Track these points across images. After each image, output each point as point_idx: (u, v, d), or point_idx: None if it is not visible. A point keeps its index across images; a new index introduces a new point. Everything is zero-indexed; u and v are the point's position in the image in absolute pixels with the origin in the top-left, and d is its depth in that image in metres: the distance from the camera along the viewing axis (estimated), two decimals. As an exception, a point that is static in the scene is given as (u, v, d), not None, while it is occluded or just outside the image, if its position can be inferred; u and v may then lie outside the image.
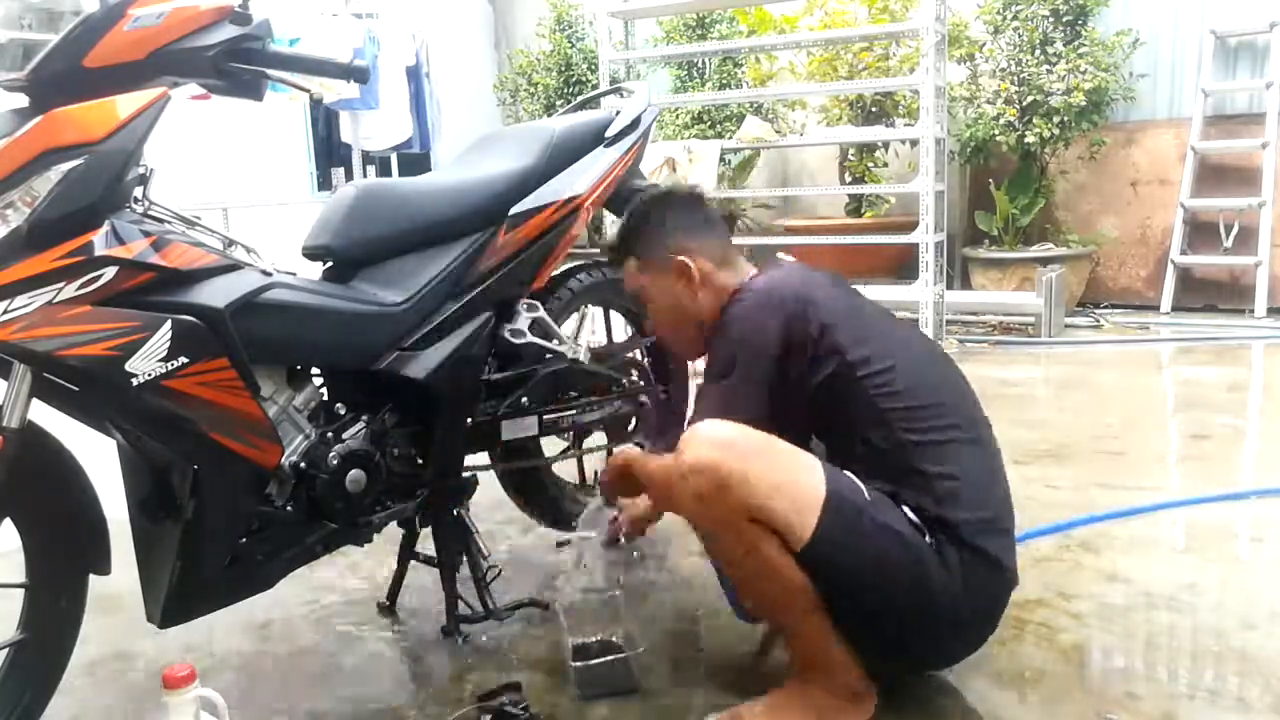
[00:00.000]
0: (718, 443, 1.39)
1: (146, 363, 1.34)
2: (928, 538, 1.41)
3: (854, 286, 1.68)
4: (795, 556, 1.38)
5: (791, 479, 1.39)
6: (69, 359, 1.28)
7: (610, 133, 2.09)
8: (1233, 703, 1.57)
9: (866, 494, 1.42)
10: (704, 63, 6.46)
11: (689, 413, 1.60)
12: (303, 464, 1.59)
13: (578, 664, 1.67)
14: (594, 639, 1.75)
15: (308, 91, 1.67)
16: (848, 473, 1.44)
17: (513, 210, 1.87)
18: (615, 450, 1.81)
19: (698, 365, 1.73)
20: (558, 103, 6.83)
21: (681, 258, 1.61)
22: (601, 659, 1.67)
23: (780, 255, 1.76)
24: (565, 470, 2.35)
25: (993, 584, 1.48)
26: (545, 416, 2.01)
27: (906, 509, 1.43)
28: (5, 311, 1.25)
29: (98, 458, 1.56)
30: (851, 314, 1.54)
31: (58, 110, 1.30)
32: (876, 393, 1.46)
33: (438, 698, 1.68)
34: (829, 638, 1.45)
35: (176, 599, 1.50)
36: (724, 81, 6.39)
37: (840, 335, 1.48)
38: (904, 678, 1.62)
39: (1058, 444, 3.04)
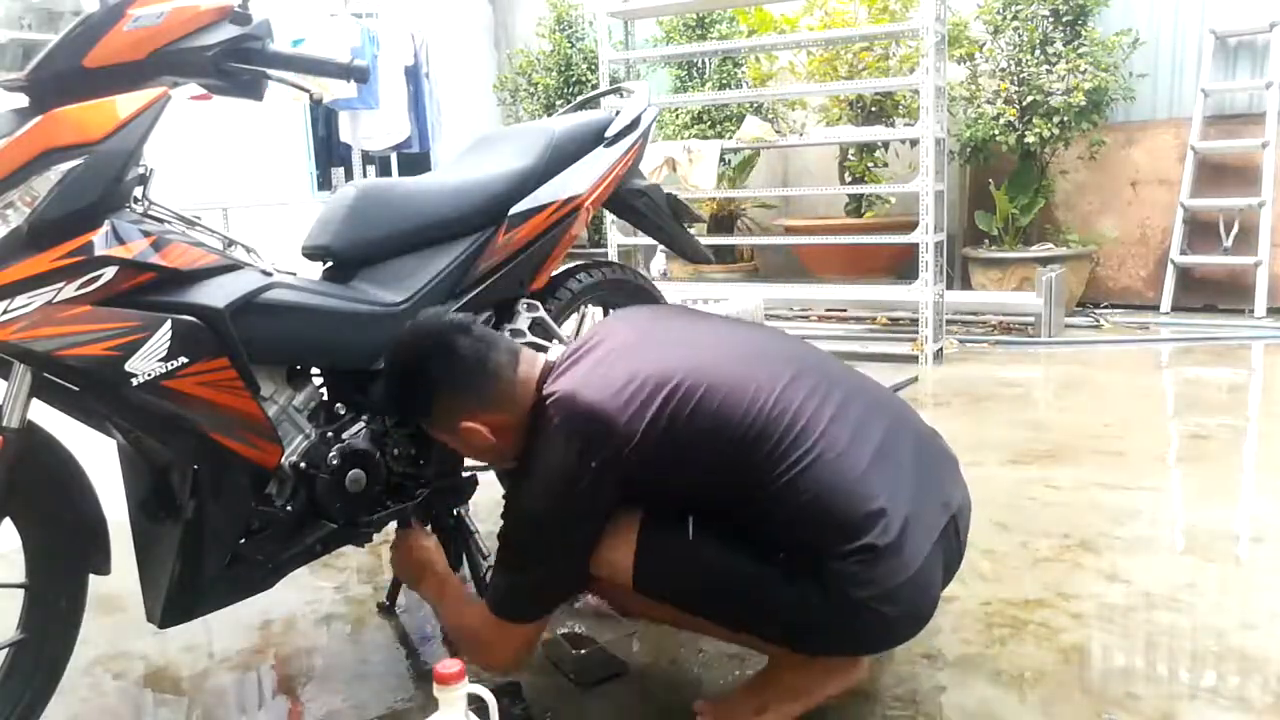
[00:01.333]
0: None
1: (146, 363, 1.34)
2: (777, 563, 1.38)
3: (664, 305, 1.63)
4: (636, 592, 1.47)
5: (604, 546, 1.44)
6: (69, 359, 1.28)
7: (610, 133, 2.09)
8: (1233, 703, 1.57)
9: (691, 533, 1.42)
10: (704, 63, 6.47)
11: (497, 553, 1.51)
12: (303, 464, 1.59)
13: (575, 652, 1.76)
14: (581, 629, 1.82)
15: (308, 91, 1.67)
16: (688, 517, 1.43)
17: (512, 210, 1.87)
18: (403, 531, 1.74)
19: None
20: (558, 103, 6.83)
21: (466, 424, 1.47)
22: (593, 648, 1.77)
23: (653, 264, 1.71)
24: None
25: (869, 570, 1.34)
26: (545, 416, 2.01)
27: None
28: (5, 311, 1.25)
29: (98, 458, 1.56)
30: (631, 377, 1.39)
31: (58, 110, 1.30)
32: (681, 429, 1.36)
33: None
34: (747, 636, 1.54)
35: (176, 599, 1.50)
36: (724, 81, 6.39)
37: (629, 422, 1.35)
38: (903, 678, 1.62)
39: (1057, 444, 3.04)
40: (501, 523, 1.47)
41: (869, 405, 1.48)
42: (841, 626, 1.38)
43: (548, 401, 1.42)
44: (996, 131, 5.23)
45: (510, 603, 1.47)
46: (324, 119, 6.39)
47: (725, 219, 6.46)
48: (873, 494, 1.36)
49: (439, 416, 1.51)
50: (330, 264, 1.74)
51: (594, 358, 1.47)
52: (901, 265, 5.55)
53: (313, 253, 1.74)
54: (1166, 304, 5.38)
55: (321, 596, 2.13)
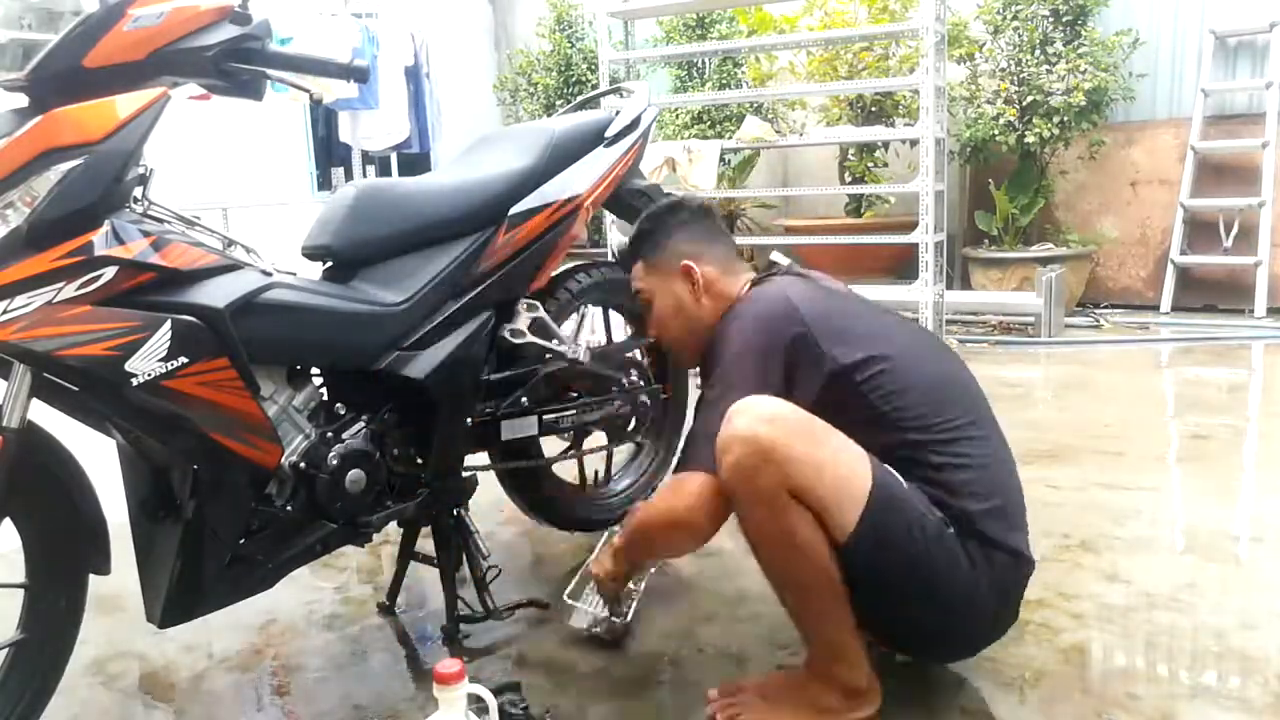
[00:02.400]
0: (764, 416, 1.38)
1: (146, 363, 1.34)
2: (950, 530, 1.42)
3: (849, 288, 1.71)
4: (834, 547, 1.39)
5: (836, 463, 1.39)
6: (69, 359, 1.28)
7: (610, 133, 2.09)
8: (1233, 703, 1.57)
9: (906, 487, 1.43)
10: (704, 63, 6.46)
11: (689, 423, 1.59)
12: (303, 464, 1.59)
13: (569, 601, 1.88)
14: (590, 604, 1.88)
15: (308, 92, 1.67)
16: (887, 466, 1.44)
17: (512, 210, 1.87)
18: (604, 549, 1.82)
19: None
20: (558, 103, 6.83)
21: (687, 262, 1.68)
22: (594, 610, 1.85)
23: (775, 256, 1.79)
24: (565, 470, 2.35)
25: (1013, 572, 1.50)
26: (545, 416, 2.01)
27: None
28: (5, 311, 1.25)
29: (98, 458, 1.56)
30: (844, 317, 1.56)
31: (58, 110, 1.30)
32: (875, 394, 1.47)
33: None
34: (849, 630, 1.46)
35: (176, 599, 1.50)
36: (724, 81, 6.39)
37: (832, 340, 1.49)
38: (903, 677, 1.63)
39: (1057, 444, 3.04)
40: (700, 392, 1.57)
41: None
42: (981, 616, 1.50)
43: (747, 292, 1.64)
44: (996, 131, 5.23)
45: (704, 444, 1.45)
46: (324, 119, 6.39)
47: (725, 219, 6.46)
48: (1015, 501, 1.54)
49: (674, 247, 1.69)
50: (330, 264, 1.74)
51: (827, 289, 1.66)
52: (901, 265, 5.55)
53: (313, 253, 1.74)
54: (1166, 304, 5.38)
55: (321, 596, 2.13)
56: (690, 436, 1.54)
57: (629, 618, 1.85)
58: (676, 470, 1.54)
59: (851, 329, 1.53)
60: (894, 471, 1.44)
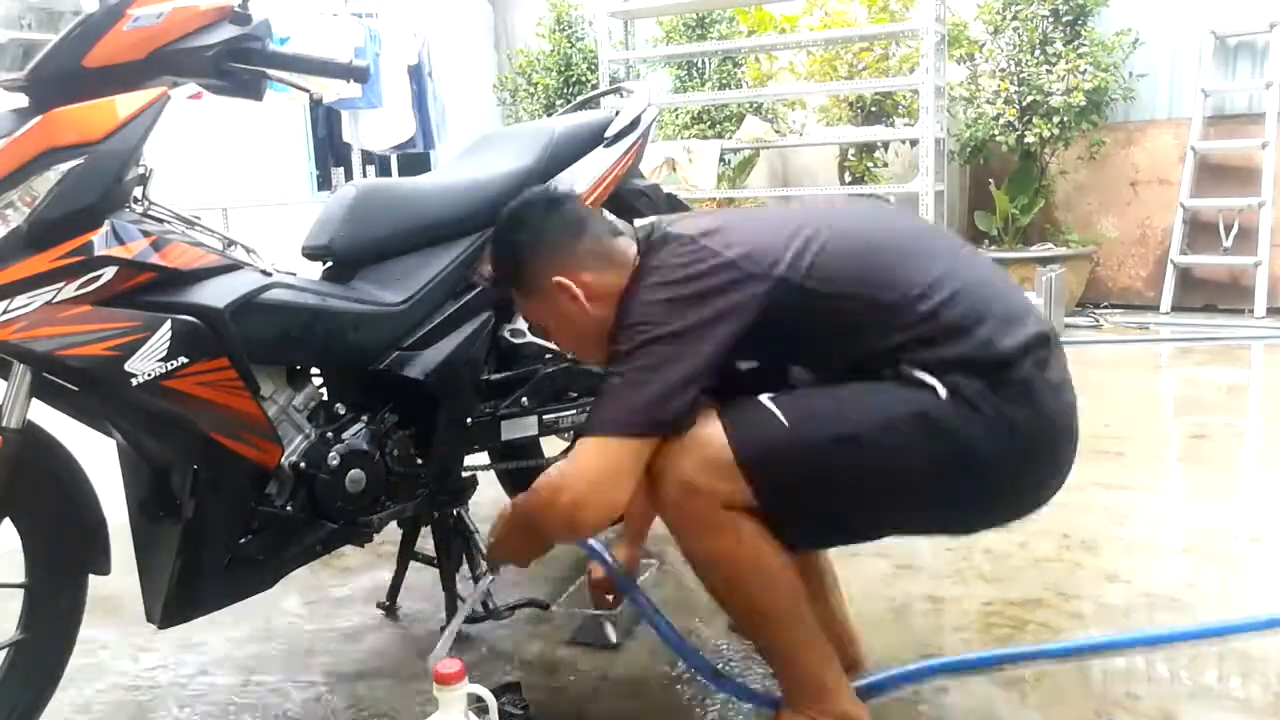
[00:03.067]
0: (684, 451, 1.29)
1: (146, 363, 1.34)
2: (941, 390, 1.26)
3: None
4: (740, 468, 1.28)
5: (692, 440, 1.29)
6: (69, 359, 1.28)
7: (610, 133, 2.09)
8: (1233, 703, 1.57)
9: (782, 411, 1.30)
10: (704, 63, 6.46)
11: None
12: (303, 464, 1.59)
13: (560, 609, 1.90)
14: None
15: (308, 91, 1.67)
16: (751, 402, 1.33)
17: (512, 210, 1.87)
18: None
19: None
20: (558, 103, 6.82)
21: (557, 278, 1.43)
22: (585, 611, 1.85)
23: (640, 222, 1.54)
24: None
25: (1038, 402, 1.29)
26: (545, 416, 2.01)
27: (915, 371, 1.28)
28: (5, 311, 1.25)
29: (98, 458, 1.56)
30: (761, 221, 1.43)
31: (58, 110, 1.30)
32: (823, 286, 1.32)
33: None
34: (820, 658, 1.38)
35: (176, 599, 1.49)
36: (724, 81, 6.39)
37: (752, 255, 1.33)
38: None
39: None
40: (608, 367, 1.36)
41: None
42: (1008, 467, 1.30)
43: (669, 232, 1.40)
44: (996, 131, 5.23)
45: (615, 412, 1.30)
46: (324, 119, 6.39)
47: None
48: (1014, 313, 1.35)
49: (530, 278, 1.46)
50: (330, 264, 1.74)
51: (717, 218, 1.45)
52: (901, 265, 5.55)
53: (313, 253, 1.74)
54: (1166, 304, 5.38)
55: (321, 596, 2.13)
56: (614, 398, 1.32)
57: (615, 625, 1.84)
58: (599, 428, 1.32)
59: (780, 226, 1.38)
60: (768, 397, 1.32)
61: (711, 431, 1.30)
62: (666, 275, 1.35)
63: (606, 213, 1.56)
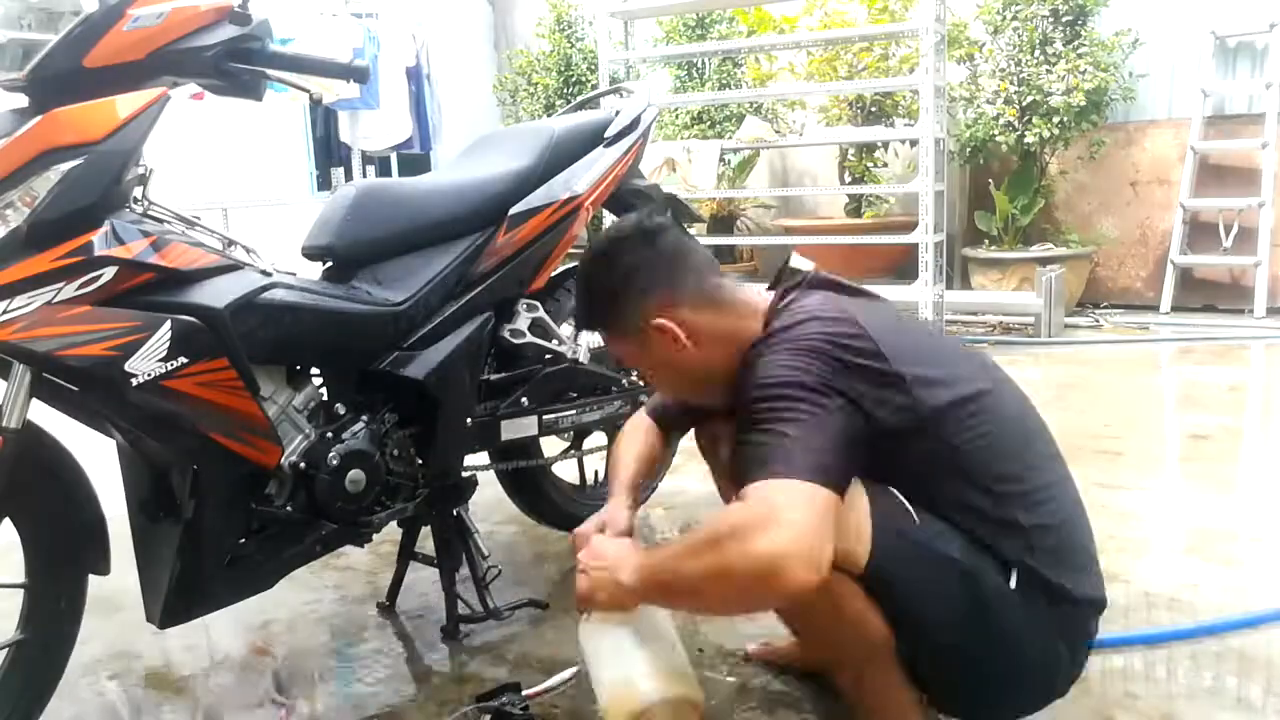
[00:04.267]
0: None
1: (146, 363, 1.34)
2: (1012, 581, 1.22)
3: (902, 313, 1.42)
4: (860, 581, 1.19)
5: (844, 511, 1.15)
6: (69, 359, 1.28)
7: (610, 133, 2.09)
8: (1233, 703, 1.57)
9: (915, 515, 1.22)
10: (704, 63, 6.46)
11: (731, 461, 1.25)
12: (302, 464, 1.59)
13: None
14: None
15: (307, 92, 1.67)
16: (892, 490, 1.24)
17: (512, 210, 1.87)
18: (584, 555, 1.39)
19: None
20: (558, 103, 6.82)
21: (657, 321, 1.30)
22: None
23: (795, 262, 1.50)
24: (565, 470, 2.35)
25: (1083, 620, 1.31)
26: (545, 416, 2.01)
27: (991, 554, 1.23)
28: (5, 311, 1.25)
29: (98, 458, 1.56)
30: (917, 344, 1.29)
31: (58, 110, 1.30)
32: (957, 435, 1.22)
33: (438, 698, 1.68)
34: (902, 696, 1.30)
35: (176, 599, 1.50)
36: (724, 81, 6.39)
37: (914, 373, 1.20)
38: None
39: (1057, 444, 3.03)
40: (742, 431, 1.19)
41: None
42: (1045, 669, 1.29)
43: (808, 299, 1.28)
44: (996, 131, 5.23)
45: (769, 448, 1.11)
46: (324, 119, 6.39)
47: (725, 219, 6.46)
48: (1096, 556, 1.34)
49: (631, 310, 1.31)
50: (330, 264, 1.74)
51: (884, 309, 1.35)
52: (901, 265, 5.55)
53: (313, 253, 1.74)
54: (1166, 304, 5.38)
55: (321, 596, 2.13)
56: (765, 446, 1.13)
57: None
58: (742, 483, 1.11)
59: (928, 353, 1.27)
60: (895, 493, 1.24)
61: (860, 525, 1.18)
62: (791, 350, 1.19)
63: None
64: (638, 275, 1.32)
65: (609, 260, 1.36)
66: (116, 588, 1.59)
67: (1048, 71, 5.06)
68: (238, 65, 1.47)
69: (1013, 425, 1.31)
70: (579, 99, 2.61)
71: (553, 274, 2.04)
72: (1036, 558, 1.23)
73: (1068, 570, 1.26)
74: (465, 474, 1.89)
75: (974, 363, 1.36)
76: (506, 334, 1.92)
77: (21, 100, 1.36)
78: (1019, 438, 1.31)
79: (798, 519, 1.04)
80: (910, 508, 1.23)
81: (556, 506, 2.25)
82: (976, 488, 1.23)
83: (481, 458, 2.02)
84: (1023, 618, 1.23)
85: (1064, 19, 5.09)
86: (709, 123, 6.22)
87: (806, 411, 1.12)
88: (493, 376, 1.94)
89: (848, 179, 5.88)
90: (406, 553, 1.97)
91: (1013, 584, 1.22)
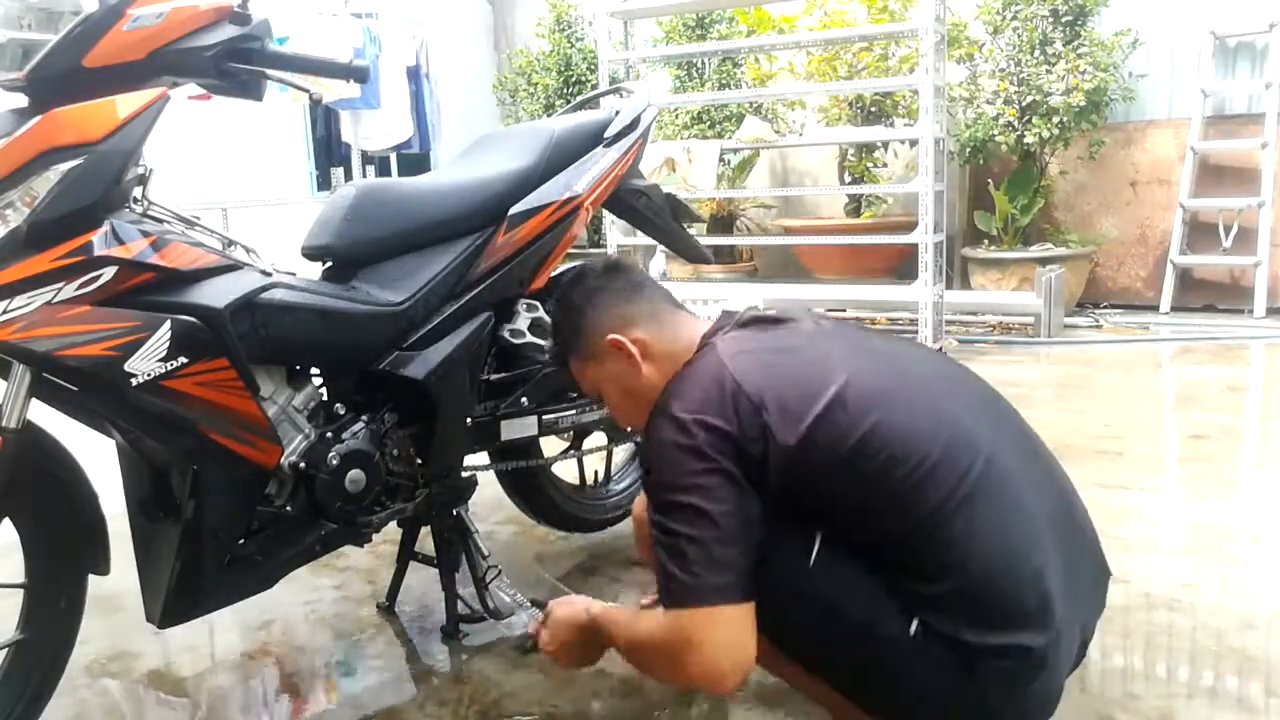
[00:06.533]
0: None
1: (146, 363, 1.34)
2: (913, 627, 1.18)
3: (830, 316, 1.42)
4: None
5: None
6: (68, 359, 1.28)
7: (609, 133, 2.09)
8: (1233, 703, 1.57)
9: (813, 559, 1.22)
10: (703, 63, 6.46)
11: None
12: (302, 464, 1.59)
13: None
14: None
15: (307, 92, 1.67)
16: (813, 534, 1.23)
17: (512, 210, 1.87)
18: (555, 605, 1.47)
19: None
20: (558, 103, 6.82)
21: (612, 336, 1.41)
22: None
23: (728, 308, 1.46)
24: (565, 470, 2.35)
25: (1010, 669, 1.19)
26: (545, 416, 2.01)
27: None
28: (4, 311, 1.25)
29: (98, 458, 1.56)
30: (801, 383, 1.25)
31: (57, 110, 1.30)
32: (848, 476, 1.20)
33: (437, 698, 1.69)
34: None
35: (176, 599, 1.50)
36: (723, 81, 6.39)
37: (788, 416, 1.21)
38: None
39: (1056, 444, 3.01)
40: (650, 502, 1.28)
41: (1048, 481, 1.33)
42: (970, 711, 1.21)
43: (716, 342, 1.33)
44: (996, 131, 5.23)
45: (680, 580, 1.19)
46: (324, 119, 6.39)
47: (725, 219, 6.46)
48: (1044, 592, 1.19)
49: (592, 330, 1.43)
50: (330, 264, 1.74)
51: (775, 337, 1.35)
52: (901, 265, 5.55)
53: (312, 253, 1.74)
54: (1166, 304, 5.38)
55: (321, 596, 2.13)
56: (673, 560, 1.20)
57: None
58: (671, 600, 1.21)
59: (815, 397, 1.22)
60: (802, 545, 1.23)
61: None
62: (684, 404, 1.25)
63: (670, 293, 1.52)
64: (599, 296, 1.45)
65: (575, 286, 1.49)
66: (116, 588, 1.59)
67: (1047, 71, 5.06)
68: (238, 65, 1.47)
69: (927, 463, 1.19)
70: (579, 99, 2.60)
71: (552, 274, 2.04)
72: (934, 611, 1.18)
73: (976, 624, 1.16)
74: (465, 474, 1.89)
75: (883, 383, 1.28)
76: (506, 334, 1.92)
77: (21, 100, 1.36)
78: (933, 477, 1.19)
79: (719, 640, 1.18)
80: (816, 547, 1.22)
81: (556, 506, 2.25)
82: (872, 529, 1.21)
83: (481, 458, 2.02)
84: (925, 665, 1.18)
85: (1064, 19, 5.10)
86: (709, 123, 6.22)
87: (699, 501, 1.19)
88: (493, 376, 1.94)
89: (848, 179, 5.88)
90: (406, 553, 1.97)
91: (911, 631, 1.18)
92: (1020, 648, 1.17)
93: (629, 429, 1.61)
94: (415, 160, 6.44)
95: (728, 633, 1.19)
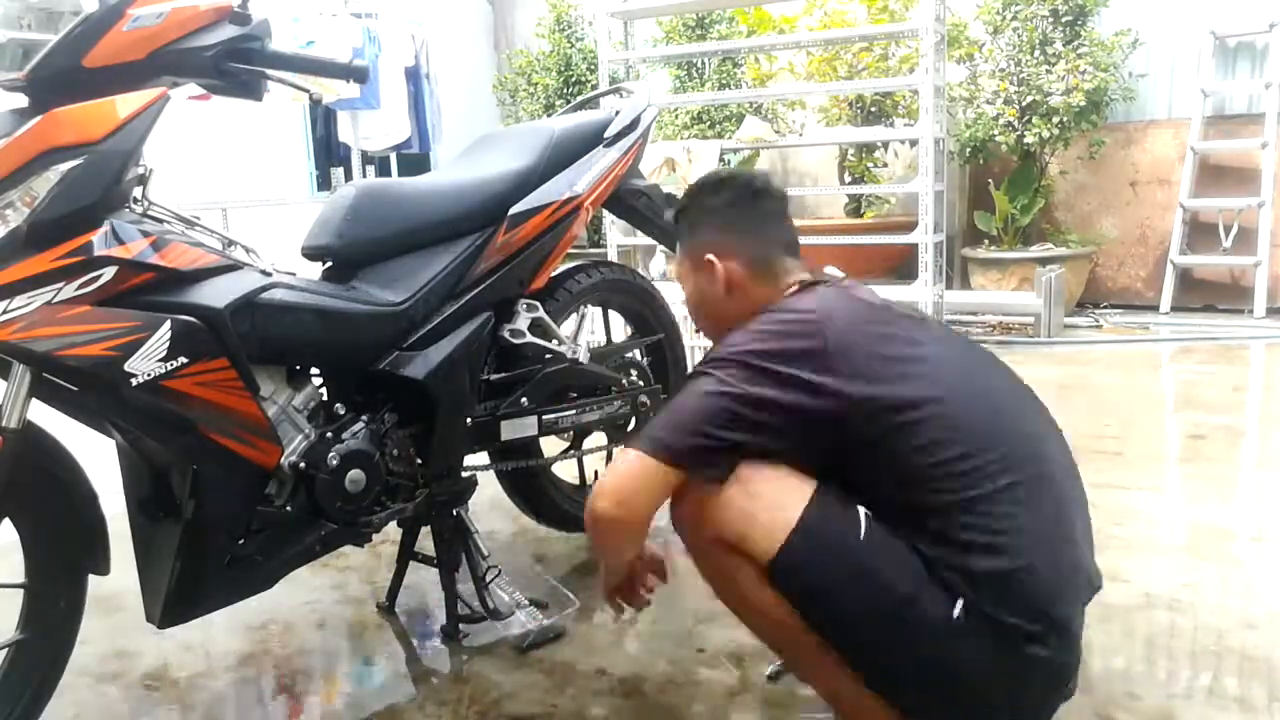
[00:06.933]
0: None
1: (146, 363, 1.34)
2: (957, 608, 1.20)
3: (906, 310, 1.43)
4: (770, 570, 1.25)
5: (768, 502, 1.25)
6: (68, 359, 1.28)
7: (609, 133, 2.09)
8: (1233, 703, 1.57)
9: (863, 532, 1.24)
10: (703, 63, 6.46)
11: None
12: (302, 464, 1.59)
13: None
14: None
15: (307, 92, 1.67)
16: (858, 507, 1.26)
17: (512, 210, 1.87)
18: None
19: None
20: (558, 103, 6.82)
21: (710, 256, 1.45)
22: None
23: (830, 270, 1.54)
24: (565, 470, 2.35)
25: (1041, 653, 1.22)
26: (545, 416, 2.01)
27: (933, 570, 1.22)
28: (5, 311, 1.25)
29: (98, 458, 1.56)
30: (887, 343, 1.30)
31: (57, 110, 1.30)
32: (905, 444, 1.23)
33: (437, 698, 1.69)
34: (847, 680, 1.28)
35: (176, 599, 1.50)
36: (724, 81, 6.39)
37: (857, 368, 1.25)
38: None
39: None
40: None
41: (1084, 500, 1.37)
42: (1002, 690, 1.23)
43: (820, 289, 1.39)
44: (996, 131, 5.23)
45: (654, 433, 1.29)
46: (324, 119, 6.39)
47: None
48: (1077, 587, 1.27)
49: (700, 238, 1.48)
50: (330, 264, 1.74)
51: (874, 310, 1.38)
52: (901, 265, 5.55)
53: (312, 253, 1.74)
54: (1166, 304, 5.38)
55: (321, 596, 2.12)
56: (660, 419, 1.32)
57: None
58: (639, 444, 1.31)
59: (894, 359, 1.28)
60: (859, 510, 1.26)
61: (778, 518, 1.24)
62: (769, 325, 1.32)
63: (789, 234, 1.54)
64: (724, 213, 1.49)
65: (714, 188, 1.52)
66: (116, 588, 1.59)
67: (1047, 72, 5.06)
68: (237, 65, 1.47)
69: (969, 434, 1.24)
70: (579, 99, 2.61)
71: (552, 274, 2.05)
72: (980, 595, 1.20)
73: (1019, 610, 1.20)
74: (465, 474, 1.89)
75: (944, 370, 1.32)
76: (506, 334, 1.92)
77: (21, 100, 1.36)
78: (976, 444, 1.24)
79: (619, 475, 1.30)
80: (864, 521, 1.24)
81: (556, 506, 2.25)
82: (923, 508, 1.23)
83: (481, 458, 2.02)
84: (967, 648, 1.20)
85: (1064, 19, 5.10)
86: (709, 123, 6.21)
87: (713, 386, 1.28)
88: (493, 376, 1.94)
89: (848, 179, 5.88)
90: (406, 553, 1.97)
91: (956, 614, 1.20)
92: (1058, 637, 1.21)
93: (697, 333, 1.67)
94: (415, 160, 6.44)
95: (630, 476, 1.28)
